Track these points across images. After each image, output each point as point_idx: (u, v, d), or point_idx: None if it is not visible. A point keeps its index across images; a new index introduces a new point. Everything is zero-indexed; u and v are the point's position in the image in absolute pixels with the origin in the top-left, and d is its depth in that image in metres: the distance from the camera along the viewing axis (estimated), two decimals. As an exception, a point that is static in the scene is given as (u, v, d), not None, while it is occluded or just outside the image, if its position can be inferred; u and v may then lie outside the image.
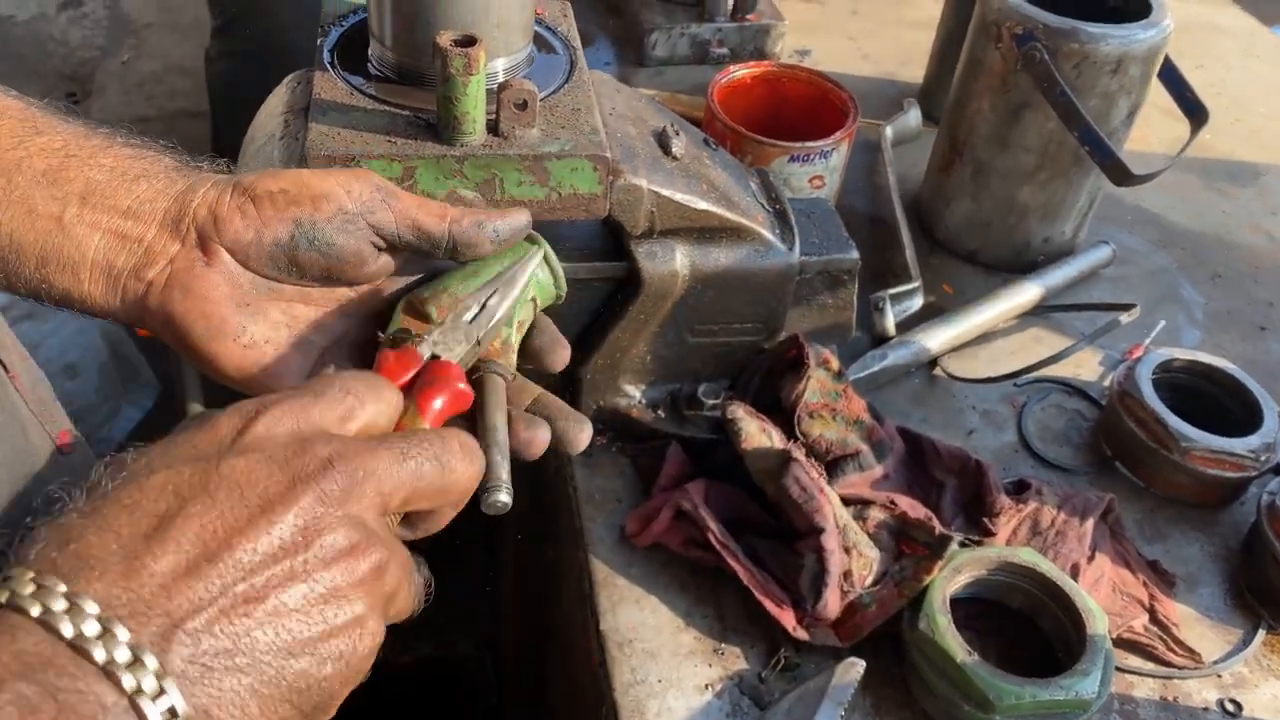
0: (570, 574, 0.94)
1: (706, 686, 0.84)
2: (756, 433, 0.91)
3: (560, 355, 0.67)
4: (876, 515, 0.92)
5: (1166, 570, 0.96)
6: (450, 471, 0.48)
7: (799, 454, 0.87)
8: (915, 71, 1.66)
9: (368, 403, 0.48)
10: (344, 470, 0.43)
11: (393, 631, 0.47)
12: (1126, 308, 1.15)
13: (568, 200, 0.84)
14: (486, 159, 0.80)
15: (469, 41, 0.74)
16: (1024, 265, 1.27)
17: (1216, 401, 1.07)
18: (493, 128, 0.81)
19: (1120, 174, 1.13)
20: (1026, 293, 1.22)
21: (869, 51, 1.78)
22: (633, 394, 1.00)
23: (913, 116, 1.50)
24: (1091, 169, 1.19)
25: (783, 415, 0.97)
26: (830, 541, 0.84)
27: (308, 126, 0.80)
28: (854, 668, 0.81)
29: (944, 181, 1.30)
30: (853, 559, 0.85)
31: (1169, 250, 1.37)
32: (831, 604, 0.83)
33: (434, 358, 0.60)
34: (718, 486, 0.91)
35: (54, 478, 0.46)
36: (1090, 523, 0.95)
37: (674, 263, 0.91)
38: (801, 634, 0.85)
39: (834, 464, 0.94)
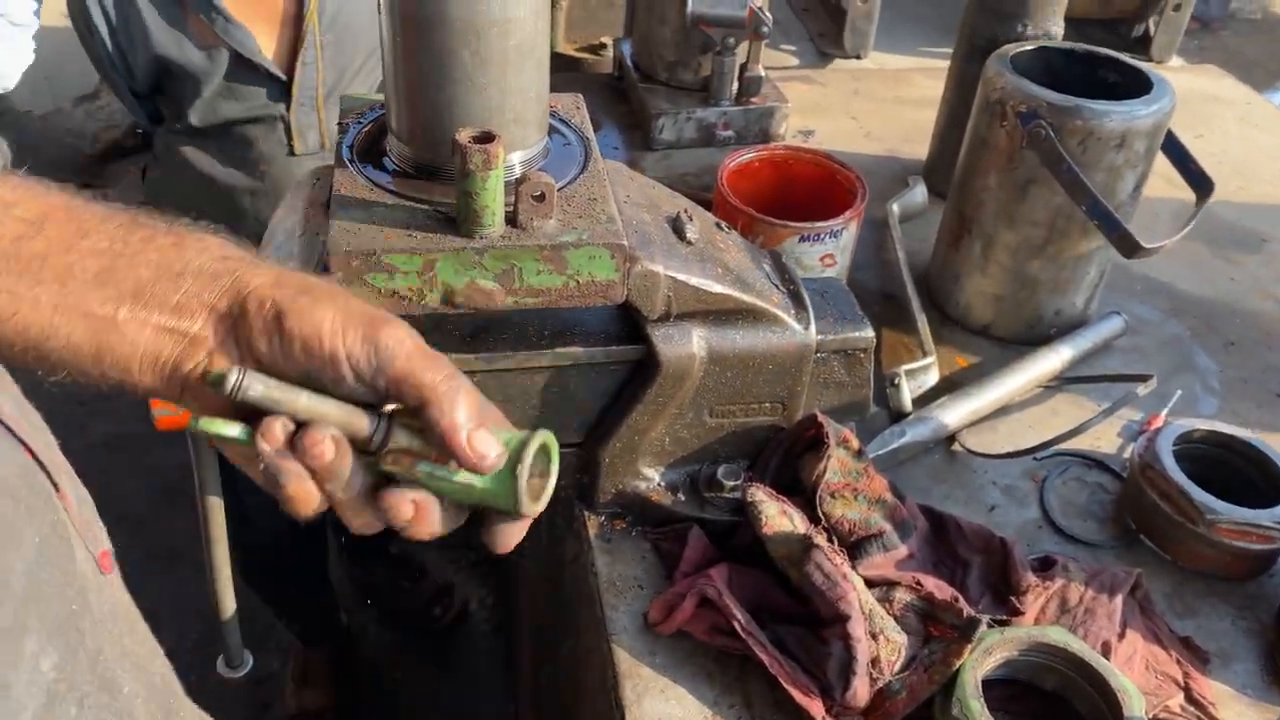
0: (592, 664, 0.93)
1: (736, 778, 0.83)
2: (777, 515, 0.90)
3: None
4: (902, 597, 0.90)
5: (1199, 646, 0.95)
6: None
7: (820, 539, 0.87)
8: (918, 148, 1.69)
9: None
10: None
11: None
12: (1143, 379, 1.15)
13: (585, 287, 0.84)
14: (505, 250, 0.81)
15: (487, 138, 0.76)
16: (1037, 338, 1.28)
17: (1238, 472, 1.06)
18: (511, 219, 0.82)
19: (1129, 247, 1.13)
20: (1042, 365, 1.22)
21: (871, 130, 1.81)
22: (651, 476, 1.00)
23: (919, 193, 1.52)
24: (1100, 241, 1.20)
25: (803, 495, 0.97)
26: (856, 629, 0.83)
27: (329, 223, 0.81)
28: None
29: (953, 257, 1.31)
30: (880, 645, 0.84)
31: (1181, 319, 1.37)
32: (860, 692, 0.82)
33: None
34: (741, 571, 0.90)
35: (98, 602, 0.46)
36: (1119, 599, 0.94)
37: (691, 345, 0.92)
38: (830, 724, 0.83)
39: (857, 545, 0.93)
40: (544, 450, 0.62)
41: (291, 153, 1.63)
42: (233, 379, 0.56)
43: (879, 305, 1.35)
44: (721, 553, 0.96)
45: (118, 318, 0.57)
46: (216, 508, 1.05)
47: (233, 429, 0.58)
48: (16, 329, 0.55)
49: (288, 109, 1.59)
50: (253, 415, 0.58)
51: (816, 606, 0.85)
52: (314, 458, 0.57)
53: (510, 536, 0.64)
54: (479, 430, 0.59)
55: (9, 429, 0.42)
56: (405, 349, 0.58)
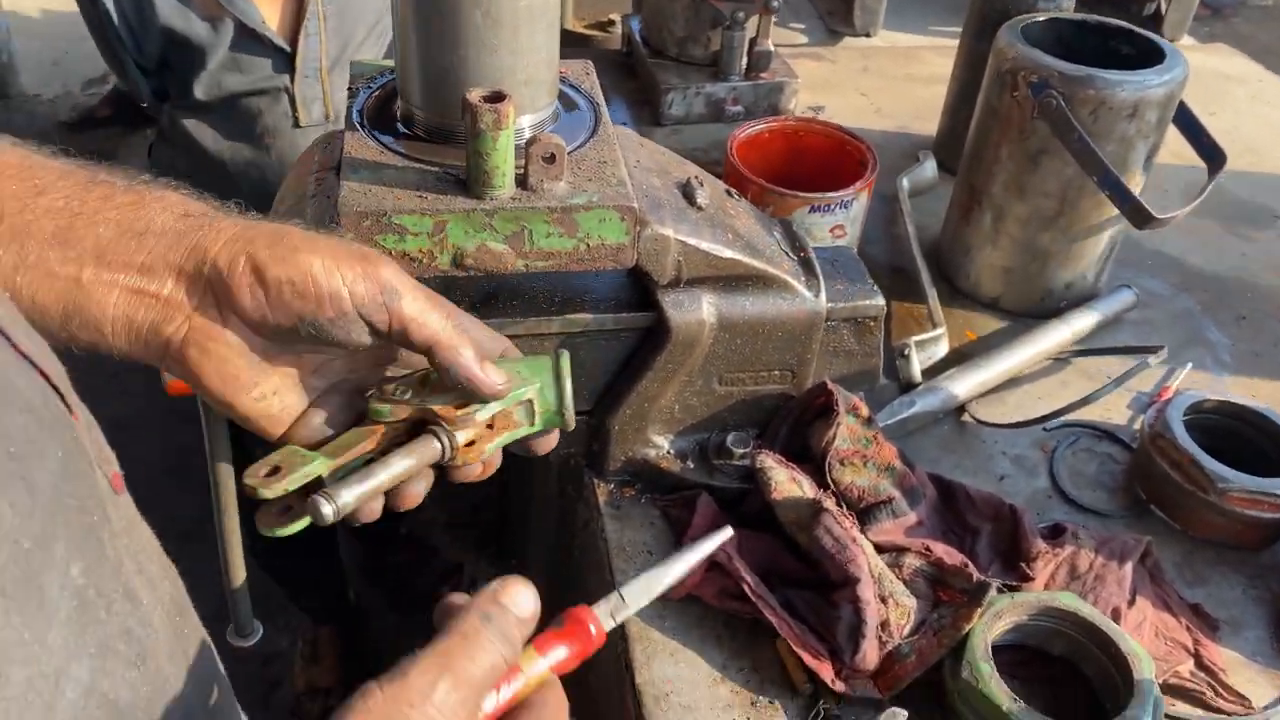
0: (603, 628, 0.92)
1: (746, 740, 0.83)
2: (786, 481, 0.90)
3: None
4: (912, 562, 0.91)
5: (1209, 614, 0.95)
6: None
7: (829, 504, 0.87)
8: (928, 125, 1.68)
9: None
10: None
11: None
12: (1154, 350, 1.15)
13: (596, 250, 0.84)
14: (516, 212, 0.81)
15: (498, 97, 0.75)
16: (1047, 311, 1.27)
17: (1249, 442, 1.06)
18: (521, 181, 0.82)
19: (1141, 217, 1.13)
20: (1052, 337, 1.22)
21: (881, 106, 1.81)
22: (661, 444, 1.00)
23: (929, 167, 1.51)
24: (1111, 213, 1.19)
25: (812, 463, 0.97)
26: (866, 592, 0.83)
27: (340, 184, 0.81)
28: (896, 718, 0.80)
29: (964, 229, 1.30)
30: (889, 608, 0.84)
31: (1192, 293, 1.37)
32: (869, 655, 0.82)
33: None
34: (750, 536, 0.90)
35: (115, 517, 0.46)
36: (1129, 566, 0.93)
37: (701, 311, 0.92)
38: (840, 686, 0.83)
39: (866, 511, 0.93)
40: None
41: (296, 124, 1.63)
42: (329, 510, 0.60)
43: (889, 278, 1.34)
44: (730, 519, 0.96)
45: (81, 278, 0.56)
46: (227, 475, 1.05)
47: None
48: None
49: (291, 80, 1.59)
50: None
51: (826, 570, 0.85)
52: (410, 506, 0.64)
53: (550, 441, 0.70)
54: (486, 364, 0.63)
55: (23, 354, 0.42)
56: (408, 288, 0.59)
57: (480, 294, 0.92)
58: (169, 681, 0.47)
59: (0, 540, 0.35)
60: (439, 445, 0.64)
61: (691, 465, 1.00)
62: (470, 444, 0.65)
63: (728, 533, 0.62)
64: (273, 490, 0.60)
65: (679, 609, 0.91)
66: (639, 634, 0.89)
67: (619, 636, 0.89)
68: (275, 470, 0.61)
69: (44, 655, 0.37)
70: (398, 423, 0.65)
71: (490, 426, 0.67)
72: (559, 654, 0.53)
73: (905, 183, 1.45)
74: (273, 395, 0.63)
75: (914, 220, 1.37)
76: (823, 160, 1.26)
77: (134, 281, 0.57)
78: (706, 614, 0.91)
